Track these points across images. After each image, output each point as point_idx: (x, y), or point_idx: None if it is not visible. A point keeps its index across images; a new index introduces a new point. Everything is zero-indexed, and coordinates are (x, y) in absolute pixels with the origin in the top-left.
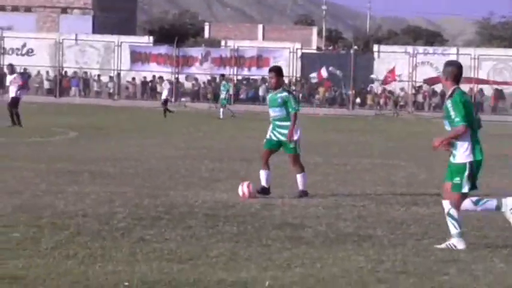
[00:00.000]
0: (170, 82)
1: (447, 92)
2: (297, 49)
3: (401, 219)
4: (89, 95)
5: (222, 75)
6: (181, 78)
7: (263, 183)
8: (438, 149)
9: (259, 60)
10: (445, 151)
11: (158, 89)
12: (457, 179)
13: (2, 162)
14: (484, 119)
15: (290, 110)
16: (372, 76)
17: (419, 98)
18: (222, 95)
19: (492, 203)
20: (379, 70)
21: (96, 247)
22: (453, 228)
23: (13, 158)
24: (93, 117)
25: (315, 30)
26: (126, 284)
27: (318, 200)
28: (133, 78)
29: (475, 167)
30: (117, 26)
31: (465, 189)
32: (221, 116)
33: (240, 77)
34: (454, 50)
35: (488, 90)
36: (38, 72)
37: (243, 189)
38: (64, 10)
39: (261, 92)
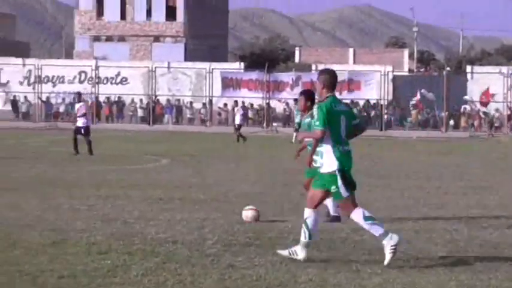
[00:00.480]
0: (244, 107)
1: (320, 99)
2: (388, 72)
3: (494, 243)
4: (181, 122)
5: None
6: (273, 103)
7: (331, 212)
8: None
9: (350, 84)
10: None
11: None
12: (333, 187)
13: (97, 190)
14: None
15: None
16: (466, 97)
17: None
18: (297, 119)
19: (379, 229)
20: (473, 91)
21: (186, 274)
22: (303, 236)
23: (108, 185)
24: (185, 144)
25: (406, 52)
26: None
27: (410, 224)
28: (225, 104)
29: (345, 171)
30: (209, 53)
31: (346, 194)
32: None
33: None
34: None
35: None
36: (132, 100)
37: (247, 213)
38: (156, 38)
39: None
